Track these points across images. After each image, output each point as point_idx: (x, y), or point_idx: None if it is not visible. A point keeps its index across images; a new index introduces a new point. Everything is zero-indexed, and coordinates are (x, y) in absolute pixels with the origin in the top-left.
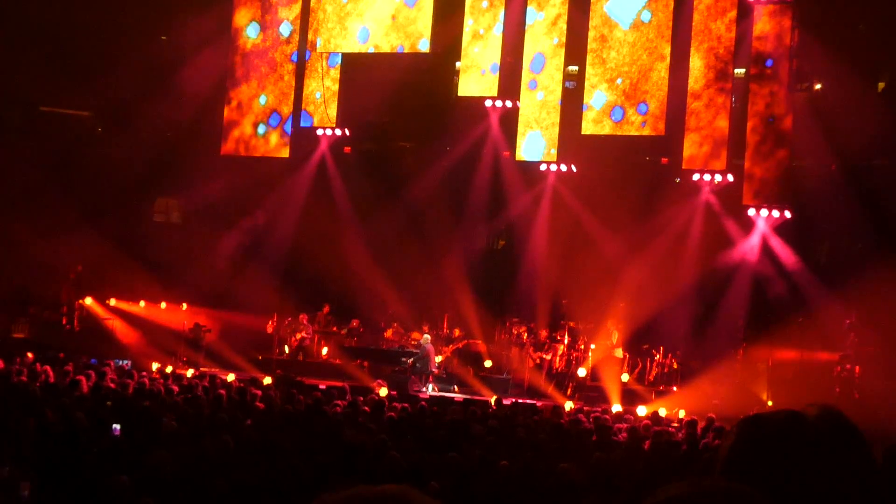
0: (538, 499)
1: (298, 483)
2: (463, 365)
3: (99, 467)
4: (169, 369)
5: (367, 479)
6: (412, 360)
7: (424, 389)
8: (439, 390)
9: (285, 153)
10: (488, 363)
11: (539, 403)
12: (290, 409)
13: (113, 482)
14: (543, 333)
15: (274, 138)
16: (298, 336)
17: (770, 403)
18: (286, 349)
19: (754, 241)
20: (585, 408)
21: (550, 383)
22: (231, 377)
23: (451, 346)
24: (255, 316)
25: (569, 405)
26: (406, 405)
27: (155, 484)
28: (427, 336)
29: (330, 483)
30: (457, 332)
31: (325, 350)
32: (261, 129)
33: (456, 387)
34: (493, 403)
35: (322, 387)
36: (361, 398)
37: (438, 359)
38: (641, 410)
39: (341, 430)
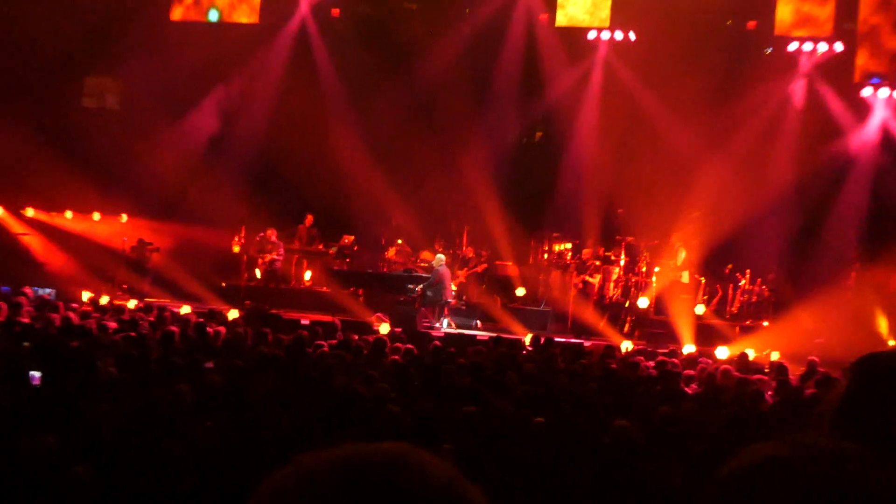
0: (584, 466)
1: (273, 445)
2: (488, 293)
3: (14, 427)
4: (105, 300)
5: (362, 440)
6: (422, 287)
7: (438, 325)
8: (457, 326)
9: (253, 17)
10: (521, 291)
11: (587, 343)
12: (264, 351)
13: (34, 444)
14: (592, 252)
15: None
16: (270, 257)
17: (892, 342)
18: (258, 273)
19: (871, 129)
20: (648, 348)
21: (602, 317)
22: (186, 310)
23: (471, 268)
24: (217, 230)
25: (626, 345)
26: (413, 346)
27: (88, 446)
28: (441, 256)
29: (313, 445)
30: (477, 252)
31: (308, 275)
32: None
33: (478, 322)
34: (527, 343)
35: (305, 322)
36: (356, 337)
37: (455, 286)
38: (721, 352)
39: (329, 379)
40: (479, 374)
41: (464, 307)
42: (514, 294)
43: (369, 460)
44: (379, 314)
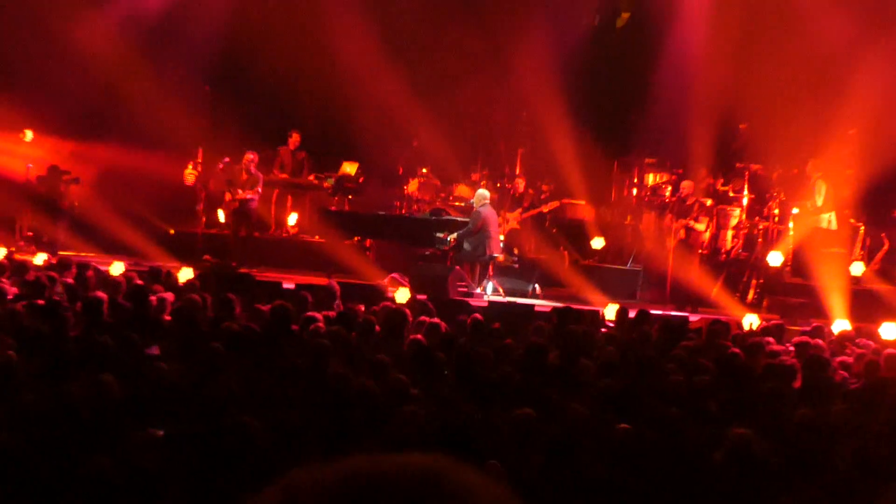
0: (687, 492)
1: (244, 463)
2: (551, 246)
3: None
4: (1, 253)
5: (372, 452)
6: (456, 236)
7: (479, 290)
8: (506, 293)
9: None
10: (598, 243)
11: (694, 318)
12: (231, 328)
13: None
14: (701, 187)
15: None
16: (244, 195)
17: None
18: (221, 216)
19: None
20: (782, 325)
21: (717, 279)
22: (118, 268)
23: (527, 210)
24: (164, 154)
25: (750, 321)
26: (443, 322)
27: None
28: (484, 193)
29: (301, 462)
30: (535, 187)
31: (293, 218)
32: None
33: (537, 286)
34: (607, 317)
35: (289, 287)
36: (362, 308)
37: (504, 236)
38: (889, 330)
39: (324, 368)
40: (539, 362)
41: (516, 265)
42: (590, 247)
43: (389, 479)
44: (394, 275)
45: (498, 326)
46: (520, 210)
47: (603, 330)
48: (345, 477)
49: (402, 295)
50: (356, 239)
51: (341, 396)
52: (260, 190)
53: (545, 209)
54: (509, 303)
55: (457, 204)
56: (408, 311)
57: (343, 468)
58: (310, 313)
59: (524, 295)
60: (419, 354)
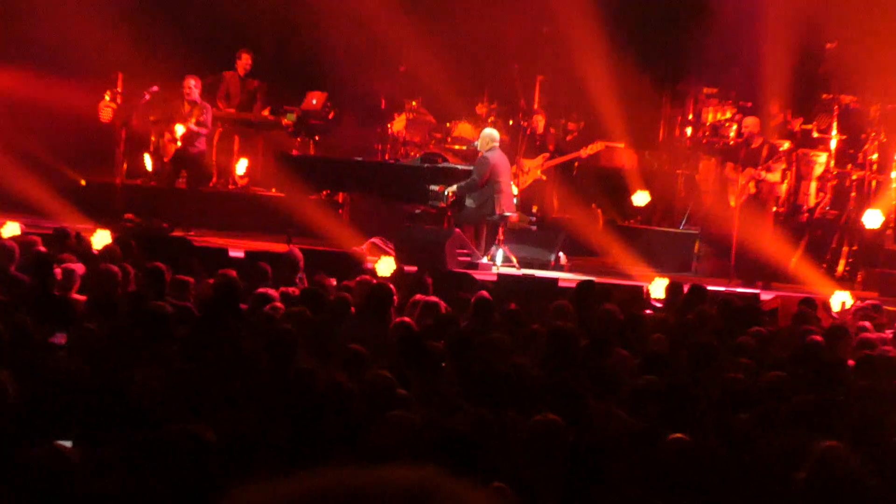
0: None
1: (185, 483)
2: (580, 202)
3: None
4: None
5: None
6: (456, 189)
7: (485, 260)
8: (521, 263)
9: None
10: (642, 197)
11: (767, 296)
12: (161, 308)
13: None
14: (776, 124)
15: None
16: (188, 131)
17: None
18: (147, 162)
19: None
20: (881, 305)
21: (797, 246)
22: (11, 230)
23: (554, 156)
24: (73, 83)
25: (840, 299)
26: (440, 300)
27: None
28: (491, 132)
29: (259, 476)
30: (559, 126)
31: (242, 165)
32: None
33: (562, 255)
34: (653, 294)
35: (237, 255)
36: (332, 282)
37: (519, 189)
38: None
39: (285, 360)
40: (564, 354)
41: (534, 227)
42: (630, 204)
43: (367, 497)
44: (375, 240)
45: (513, 307)
46: (544, 156)
47: (648, 312)
48: (310, 496)
49: (386, 266)
50: (325, 193)
51: (306, 398)
52: (209, 124)
53: (583, 154)
54: (525, 276)
55: (456, 147)
56: (392, 286)
57: (308, 486)
58: (265, 290)
59: (545, 266)
60: (408, 343)
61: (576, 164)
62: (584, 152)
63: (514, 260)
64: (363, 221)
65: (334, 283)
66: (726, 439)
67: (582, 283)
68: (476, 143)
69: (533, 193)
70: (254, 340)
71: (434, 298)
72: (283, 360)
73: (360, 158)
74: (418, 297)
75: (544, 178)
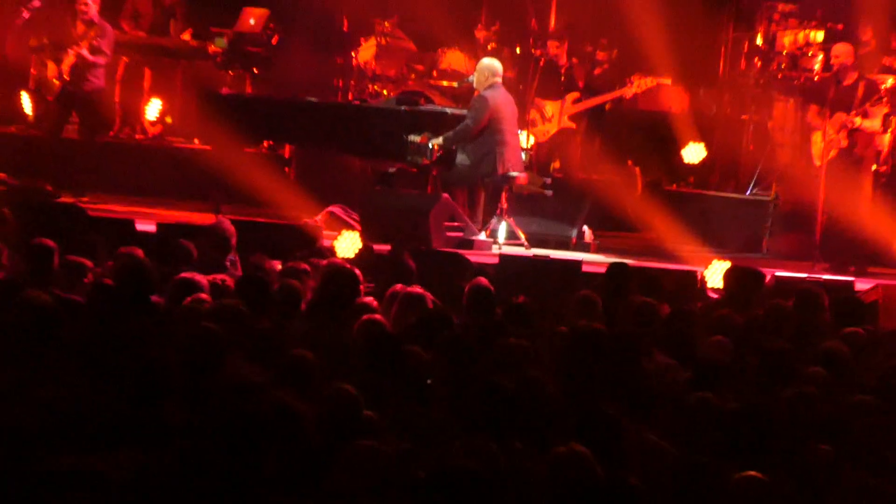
0: None
1: None
2: (614, 158)
3: None
4: None
5: None
6: (442, 141)
7: (484, 236)
8: (532, 240)
9: None
10: (696, 152)
11: (864, 284)
12: (42, 299)
13: None
14: (866, 52)
15: None
16: (76, 56)
17: None
18: (26, 102)
19: None
20: None
21: None
22: None
23: (586, 97)
24: None
25: None
26: (422, 289)
27: None
28: (492, 64)
29: None
30: (584, 56)
31: (153, 108)
32: None
33: (587, 229)
34: (711, 283)
35: (147, 229)
36: (277, 266)
37: (529, 143)
38: None
39: (211, 369)
40: (590, 362)
41: (549, 191)
42: (680, 160)
43: None
44: (335, 208)
45: (521, 301)
46: (572, 96)
47: (698, 305)
48: None
49: (348, 244)
50: (266, 145)
51: (241, 423)
52: (109, 52)
53: (629, 93)
54: (537, 258)
55: (444, 84)
56: (358, 272)
57: None
58: (185, 274)
59: (564, 244)
60: (379, 349)
61: (606, 106)
62: (630, 90)
63: (523, 236)
64: (318, 184)
65: (278, 266)
66: (807, 477)
67: (613, 268)
68: (471, 77)
69: (555, 147)
70: (170, 345)
71: (417, 289)
72: (210, 372)
73: (313, 99)
74: (396, 287)
75: (573, 125)
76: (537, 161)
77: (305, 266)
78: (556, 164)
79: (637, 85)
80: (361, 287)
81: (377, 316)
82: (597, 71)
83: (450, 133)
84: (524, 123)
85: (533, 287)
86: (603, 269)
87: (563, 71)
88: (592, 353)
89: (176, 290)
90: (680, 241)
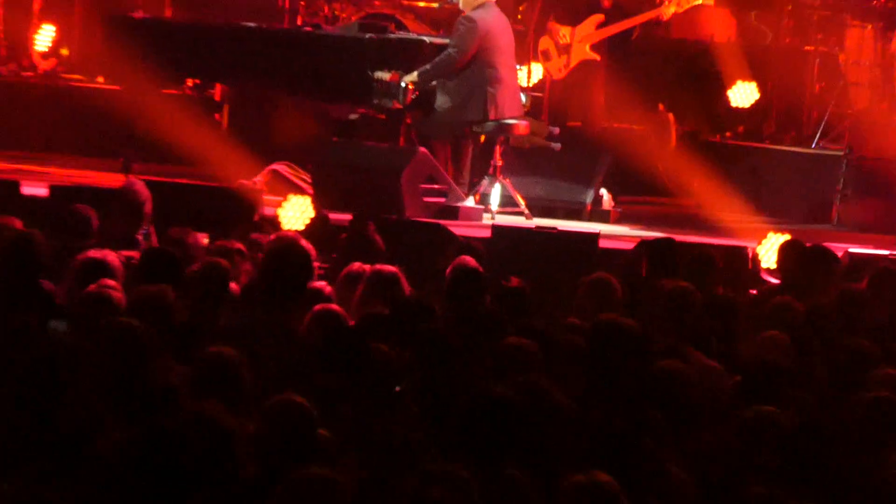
0: None
1: None
2: (641, 99)
3: None
4: None
5: None
6: (416, 77)
7: (472, 201)
8: (534, 205)
9: None
10: (745, 92)
11: None
12: None
13: None
14: None
15: None
16: None
17: None
18: None
19: None
20: None
21: None
22: None
23: (607, 21)
24: None
25: None
26: (395, 270)
27: None
28: None
29: None
30: None
31: (44, 36)
32: None
33: (605, 193)
34: (766, 261)
35: (37, 190)
36: (202, 240)
37: (529, 85)
38: None
39: (131, 376)
40: (609, 366)
41: (557, 143)
42: (727, 104)
43: None
44: (279, 165)
45: (518, 285)
46: (595, 20)
47: (752, 292)
48: None
49: (297, 211)
50: (191, 84)
51: (163, 441)
52: None
53: (665, 14)
54: (540, 230)
55: (421, 5)
56: (310, 247)
57: None
58: (91, 253)
59: (576, 213)
60: (338, 348)
61: (635, 32)
62: (667, 10)
63: (522, 202)
64: (257, 135)
65: (205, 241)
66: None
67: (641, 245)
68: None
69: (573, 85)
70: (70, 343)
71: (387, 268)
72: (123, 378)
73: (251, 24)
74: (356, 266)
75: (597, 57)
76: (551, 105)
77: (239, 245)
78: (566, 111)
79: (676, 3)
80: (315, 268)
81: (333, 305)
82: (637, 22)
83: (427, 67)
84: (527, 55)
85: (535, 268)
86: (626, 245)
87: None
88: (611, 354)
89: (77, 273)
90: (725, 209)
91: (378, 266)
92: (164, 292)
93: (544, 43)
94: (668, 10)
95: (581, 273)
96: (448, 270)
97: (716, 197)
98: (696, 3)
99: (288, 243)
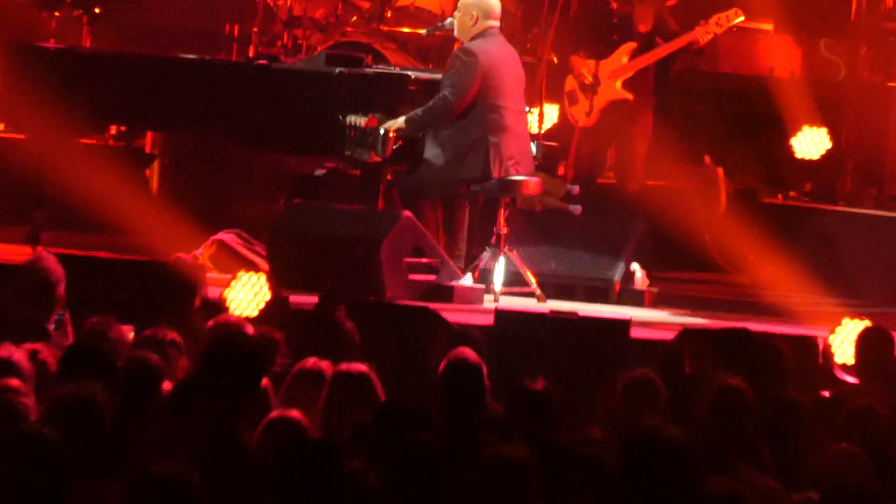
0: None
1: None
2: (682, 150)
3: None
4: None
5: None
6: (403, 123)
7: (469, 279)
8: (549, 284)
9: None
10: (813, 141)
11: None
12: None
13: None
14: None
15: None
16: None
17: None
18: None
19: None
20: None
21: None
22: None
23: (641, 49)
24: None
25: None
26: (366, 370)
27: None
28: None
29: None
30: None
31: None
32: None
33: (638, 268)
34: (842, 353)
35: None
36: (127, 332)
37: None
38: None
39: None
40: (647, 486)
41: (576, 206)
42: (790, 154)
43: None
44: (226, 235)
45: (537, 387)
46: (627, 49)
47: (823, 394)
48: None
49: (248, 292)
50: (114, 131)
51: None
52: None
53: (703, 36)
54: (556, 315)
55: (405, 31)
56: (264, 337)
57: None
58: None
59: (602, 293)
60: (296, 464)
61: (675, 64)
62: (705, 34)
63: (533, 280)
64: (199, 195)
65: (130, 334)
66: None
67: (683, 334)
68: (449, 19)
69: (598, 133)
70: None
71: (356, 367)
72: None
73: (190, 56)
74: (312, 361)
75: (629, 96)
76: (578, 157)
77: (174, 335)
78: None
79: (716, 24)
80: (274, 361)
81: (293, 411)
82: (670, 2)
83: (417, 112)
84: (538, 93)
85: (549, 364)
86: (664, 335)
87: (612, 4)
88: (649, 472)
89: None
90: (788, 288)
91: (347, 364)
92: (93, 393)
93: (570, 83)
94: (706, 34)
95: (607, 370)
96: (441, 367)
97: (776, 273)
98: (738, 21)
99: (234, 332)
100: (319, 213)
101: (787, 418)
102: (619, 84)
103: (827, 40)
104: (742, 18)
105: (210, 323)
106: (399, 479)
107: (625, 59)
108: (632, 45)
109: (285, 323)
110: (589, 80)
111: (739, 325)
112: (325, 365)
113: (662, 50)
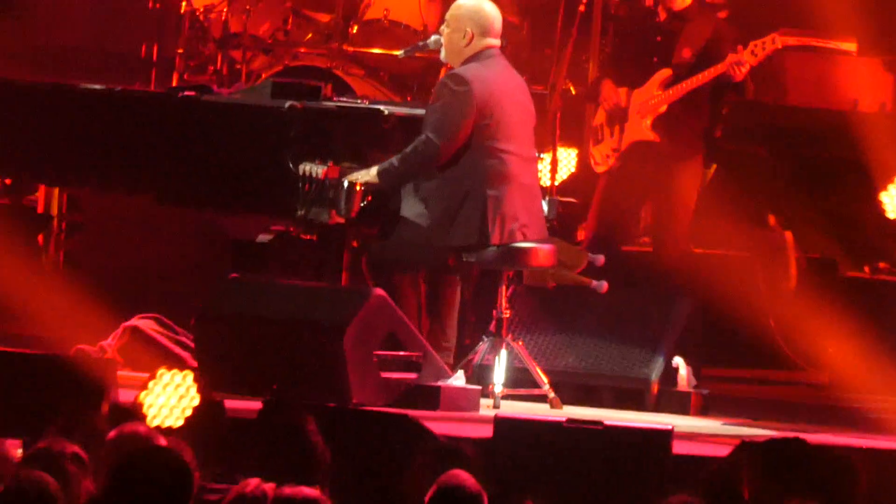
0: None
1: None
2: (738, 207)
3: None
4: None
5: None
6: (375, 174)
7: (459, 379)
8: (565, 384)
9: None
10: None
11: None
12: None
13: None
14: None
15: None
16: None
17: None
18: None
19: None
20: None
21: None
22: None
23: (677, 77)
24: None
25: None
26: (314, 494)
27: None
28: (478, 9)
29: None
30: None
31: None
32: None
33: (682, 363)
34: None
35: None
36: (14, 450)
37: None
38: None
39: None
40: None
41: (601, 283)
42: (879, 211)
43: None
44: (141, 321)
45: None
46: (661, 77)
47: None
48: None
49: (169, 394)
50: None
51: None
52: None
53: (732, 71)
54: (574, 425)
55: (374, 51)
56: (188, 453)
57: None
58: None
59: (635, 396)
60: None
61: (724, 101)
62: (740, 65)
63: (545, 378)
64: (106, 269)
65: (19, 450)
66: None
67: (741, 448)
68: (434, 37)
69: (628, 182)
70: None
71: (305, 492)
72: None
73: (96, 86)
74: (253, 484)
75: (654, 138)
76: (601, 215)
77: (75, 448)
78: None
79: (751, 53)
80: (197, 486)
81: None
82: (721, 14)
83: (392, 161)
84: (549, 134)
85: (567, 489)
86: (714, 450)
87: (660, 16)
88: None
89: None
90: (875, 388)
91: (291, 488)
92: None
93: (600, 117)
94: (741, 66)
95: (642, 497)
96: (428, 497)
97: (860, 368)
98: (777, 47)
99: (145, 447)
100: (262, 290)
101: None
102: (648, 122)
103: None
104: (780, 46)
105: (111, 434)
106: None
107: (656, 91)
108: (666, 72)
109: (216, 435)
110: (619, 114)
111: (814, 437)
112: (270, 488)
113: (694, 81)
